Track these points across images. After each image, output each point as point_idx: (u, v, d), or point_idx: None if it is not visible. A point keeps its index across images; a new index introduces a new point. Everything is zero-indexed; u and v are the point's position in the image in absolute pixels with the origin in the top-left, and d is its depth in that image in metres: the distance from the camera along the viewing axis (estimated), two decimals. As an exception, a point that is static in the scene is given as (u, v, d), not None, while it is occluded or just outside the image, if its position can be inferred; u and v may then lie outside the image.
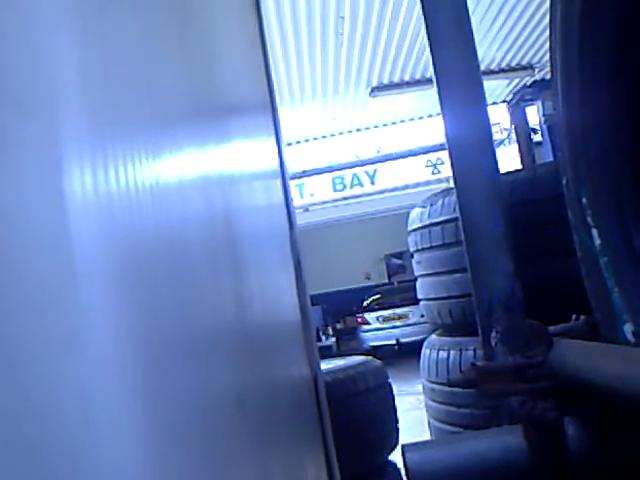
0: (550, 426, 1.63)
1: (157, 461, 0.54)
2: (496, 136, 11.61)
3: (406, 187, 13.08)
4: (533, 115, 11.18)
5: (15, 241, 0.39)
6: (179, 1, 1.05)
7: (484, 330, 1.83)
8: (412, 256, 3.41)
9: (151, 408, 0.54)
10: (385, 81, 9.76)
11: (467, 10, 1.88)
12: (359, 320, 15.62)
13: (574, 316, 1.92)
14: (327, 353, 14.11)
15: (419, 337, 11.70)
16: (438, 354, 2.97)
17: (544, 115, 10.50)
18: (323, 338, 16.65)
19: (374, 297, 16.23)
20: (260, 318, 1.41)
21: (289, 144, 11.64)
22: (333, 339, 17.11)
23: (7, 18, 0.42)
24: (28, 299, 0.39)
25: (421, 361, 3.20)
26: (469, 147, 1.85)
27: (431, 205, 3.08)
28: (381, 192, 13.37)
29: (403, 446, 1.75)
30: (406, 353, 12.52)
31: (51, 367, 0.40)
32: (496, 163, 1.87)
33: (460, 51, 1.85)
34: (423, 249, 3.16)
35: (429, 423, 3.22)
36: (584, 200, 1.73)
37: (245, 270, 1.30)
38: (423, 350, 3.21)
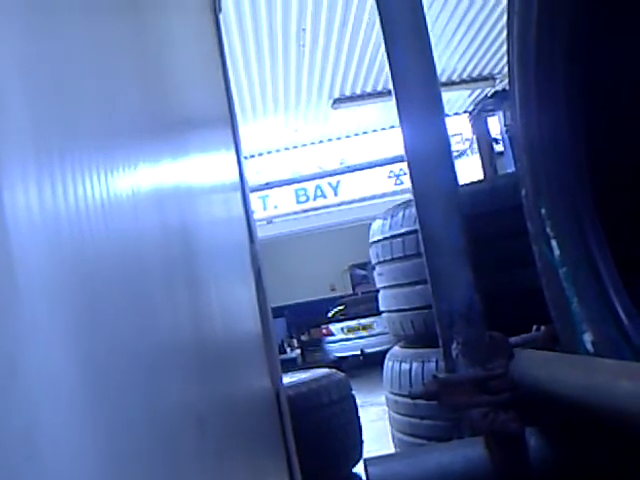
0: (512, 437, 1.63)
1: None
2: (458, 147, 11.70)
3: (369, 198, 13.12)
4: (495, 125, 11.27)
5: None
6: (134, 12, 1.04)
7: (445, 342, 1.83)
8: (374, 268, 3.41)
9: (104, 432, 0.53)
10: (347, 93, 9.79)
11: (425, 22, 1.89)
12: (324, 331, 15.61)
13: (534, 327, 1.92)
14: (292, 365, 14.09)
15: (384, 347, 11.73)
16: (401, 366, 2.96)
17: (505, 125, 10.61)
18: (288, 350, 16.61)
19: (339, 308, 16.24)
20: (219, 332, 1.39)
21: (252, 156, 11.63)
22: (298, 351, 17.07)
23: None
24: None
25: (384, 373, 3.19)
26: (428, 159, 1.85)
27: (392, 217, 3.08)
28: (344, 203, 13.40)
29: (365, 460, 1.74)
30: (371, 363, 12.53)
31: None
32: (455, 175, 1.87)
33: (418, 64, 1.85)
34: (384, 261, 3.16)
35: (392, 435, 3.22)
36: (543, 211, 1.74)
37: (203, 284, 1.29)
38: (386, 362, 3.20)
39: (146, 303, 0.77)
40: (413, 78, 1.85)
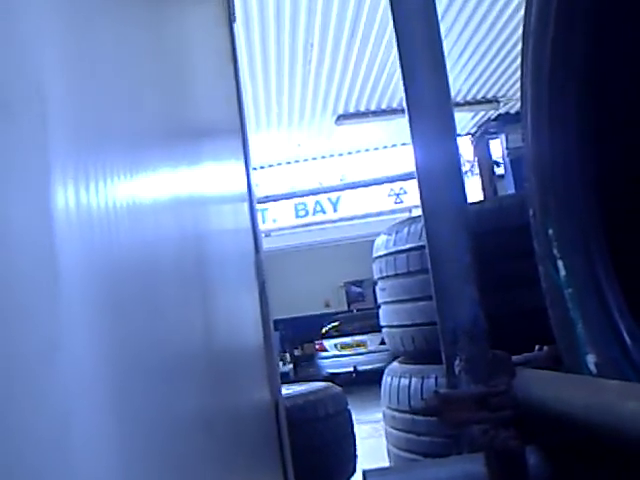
0: (512, 455, 1.64)
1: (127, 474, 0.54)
2: (459, 168, 11.65)
3: (368, 215, 13.10)
4: (496, 148, 11.29)
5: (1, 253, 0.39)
6: (156, 31, 1.06)
7: (448, 358, 1.84)
8: (376, 283, 3.41)
9: (127, 434, 0.54)
10: (351, 109, 9.81)
11: (441, 42, 1.90)
12: (317, 347, 15.58)
13: (537, 346, 1.93)
14: (284, 380, 14.01)
15: (376, 365, 11.76)
16: (399, 381, 2.96)
17: (507, 149, 10.63)
18: (280, 364, 16.56)
19: (333, 324, 16.20)
20: (225, 341, 1.40)
21: (253, 169, 11.61)
22: (290, 365, 17.04)
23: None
24: (10, 311, 0.39)
25: (382, 388, 3.19)
26: (438, 176, 1.86)
27: (397, 233, 3.09)
28: (343, 220, 13.39)
29: (364, 472, 1.74)
30: (363, 381, 12.51)
31: (31, 380, 0.40)
32: (464, 193, 1.89)
33: (432, 82, 1.87)
34: (388, 276, 3.16)
35: (388, 451, 3.21)
36: (550, 231, 1.75)
37: (214, 294, 1.30)
38: (384, 377, 3.20)
39: (163, 310, 0.78)
40: (427, 96, 1.86)
